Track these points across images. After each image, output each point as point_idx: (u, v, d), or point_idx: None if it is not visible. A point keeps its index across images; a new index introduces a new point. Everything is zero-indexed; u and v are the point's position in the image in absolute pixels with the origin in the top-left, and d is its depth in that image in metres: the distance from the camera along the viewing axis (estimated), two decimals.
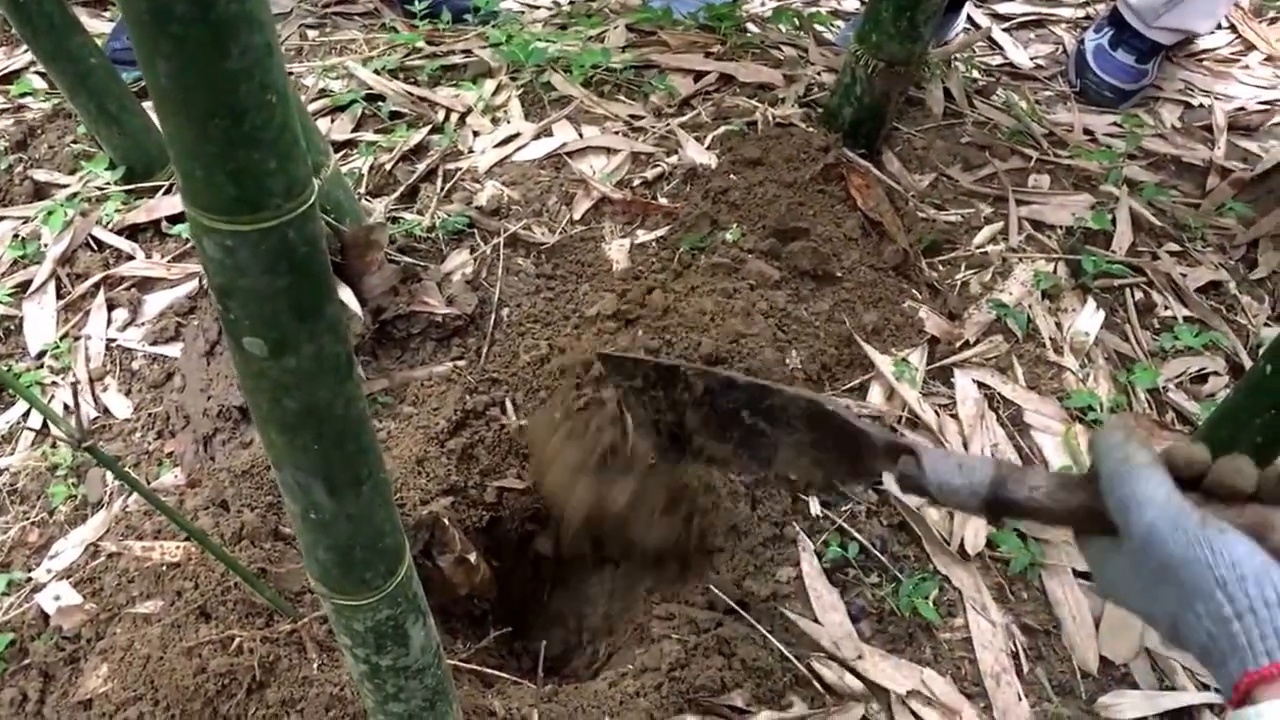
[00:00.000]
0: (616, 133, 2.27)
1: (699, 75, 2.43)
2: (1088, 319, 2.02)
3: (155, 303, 2.03)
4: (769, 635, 1.58)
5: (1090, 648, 1.63)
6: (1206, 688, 1.60)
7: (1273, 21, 2.87)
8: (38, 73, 2.59)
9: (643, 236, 2.06)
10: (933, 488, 1.25)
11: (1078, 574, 1.68)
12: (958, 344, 1.96)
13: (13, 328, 2.04)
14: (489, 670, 1.56)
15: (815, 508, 1.72)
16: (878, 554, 1.68)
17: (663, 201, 2.11)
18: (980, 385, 1.91)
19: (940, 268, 2.10)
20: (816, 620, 1.61)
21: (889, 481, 1.43)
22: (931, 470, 1.26)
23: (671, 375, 1.50)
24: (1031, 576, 1.68)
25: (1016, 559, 1.67)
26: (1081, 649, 1.62)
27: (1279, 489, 1.01)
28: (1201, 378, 1.99)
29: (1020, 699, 1.57)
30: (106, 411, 1.91)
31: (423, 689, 1.19)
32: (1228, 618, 0.92)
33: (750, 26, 2.64)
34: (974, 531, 1.70)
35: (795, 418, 1.47)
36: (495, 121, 2.33)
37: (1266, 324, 2.09)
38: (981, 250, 2.12)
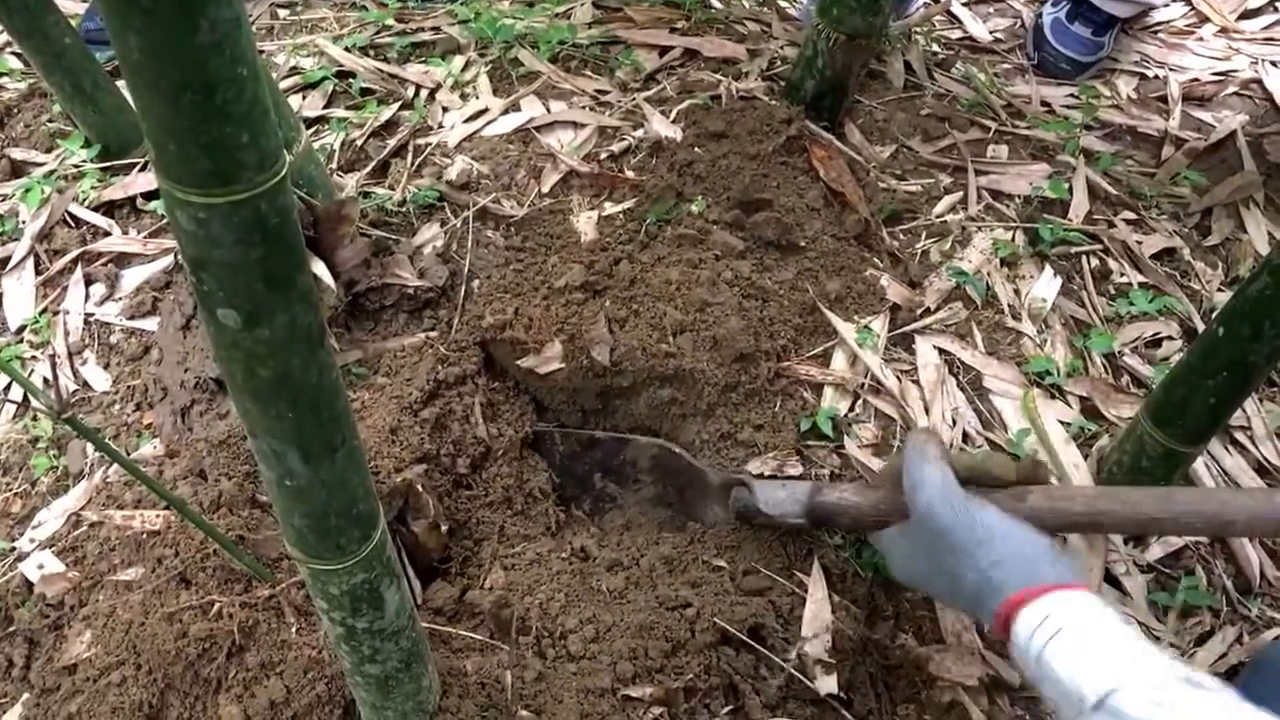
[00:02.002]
0: (583, 107, 2.28)
1: (664, 50, 2.44)
2: (1045, 286, 2.06)
3: (132, 278, 2.05)
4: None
5: None
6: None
7: None
8: (13, 53, 2.59)
9: (610, 209, 2.08)
10: (763, 504, 1.53)
11: None
12: (918, 311, 1.99)
13: None
14: (463, 632, 1.60)
15: (786, 471, 1.75)
16: None
17: (629, 174, 2.13)
18: (941, 351, 1.94)
19: (901, 237, 2.13)
20: None
21: (726, 514, 1.65)
22: (760, 492, 1.55)
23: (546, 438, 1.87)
24: None
25: None
26: None
27: (1033, 470, 1.36)
28: (1156, 342, 2.02)
29: (980, 655, 1.61)
30: (86, 385, 1.93)
31: (398, 651, 1.21)
32: (985, 567, 1.19)
33: (714, 2, 2.66)
34: None
35: (643, 471, 1.78)
36: (464, 97, 2.35)
37: (1219, 289, 2.12)
38: (941, 219, 2.15)
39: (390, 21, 2.57)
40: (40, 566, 1.63)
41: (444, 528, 1.68)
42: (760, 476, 1.68)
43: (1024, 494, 1.32)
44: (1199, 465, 1.82)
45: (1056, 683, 1.06)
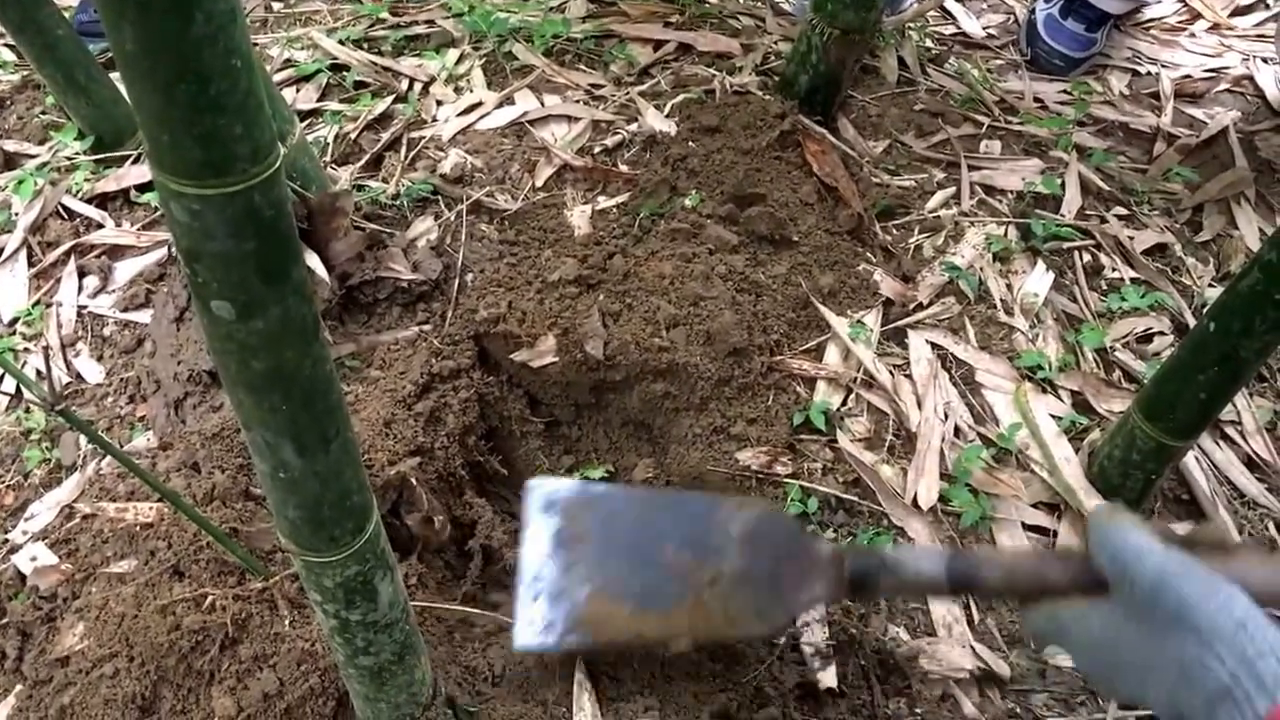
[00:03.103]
0: (577, 101, 2.29)
1: (658, 44, 2.45)
2: (1037, 281, 2.06)
3: (125, 270, 2.05)
4: None
5: None
6: None
7: None
8: (6, 45, 2.59)
9: (604, 203, 2.08)
10: (892, 570, 1.15)
11: (1026, 527, 1.73)
12: (911, 305, 1.99)
13: None
14: (458, 608, 1.61)
15: (777, 466, 1.76)
16: (833, 509, 1.73)
17: (623, 168, 2.13)
18: (933, 345, 1.94)
19: (894, 231, 2.13)
20: None
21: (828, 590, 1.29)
22: (890, 558, 1.17)
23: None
24: (982, 529, 1.72)
25: (968, 512, 1.71)
26: None
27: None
28: (1147, 337, 2.02)
29: (971, 648, 1.62)
30: (79, 377, 1.93)
31: (391, 642, 1.21)
32: (1252, 658, 0.92)
33: None
34: (926, 486, 1.75)
35: (732, 540, 1.20)
36: (458, 91, 2.35)
37: (1210, 285, 2.12)
38: (934, 214, 2.15)
39: (384, 15, 2.57)
40: (33, 559, 1.63)
41: (438, 520, 1.68)
42: None
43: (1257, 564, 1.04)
44: (1189, 459, 1.82)
45: None
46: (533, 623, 1.08)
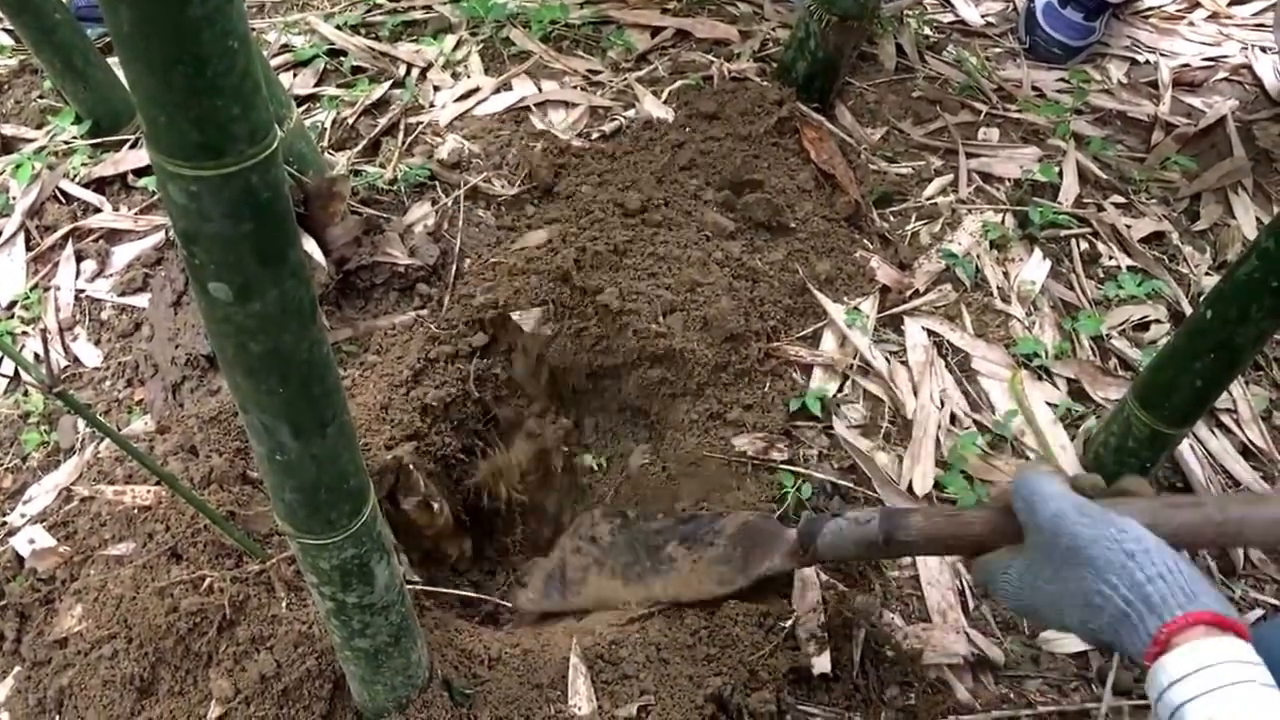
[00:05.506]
0: (575, 87, 2.29)
1: (656, 31, 2.45)
2: (1034, 268, 2.06)
3: (123, 254, 2.05)
4: None
5: None
6: None
7: None
8: (4, 29, 2.58)
9: None
10: (831, 532, 1.41)
11: None
12: (908, 293, 1.99)
13: None
14: (457, 592, 1.61)
15: (773, 452, 1.76)
16: (829, 495, 1.73)
17: None
18: (930, 333, 1.94)
19: (891, 219, 2.14)
20: None
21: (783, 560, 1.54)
22: (827, 522, 1.43)
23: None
24: None
25: (963, 499, 1.71)
26: None
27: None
28: (1144, 325, 2.03)
29: (965, 634, 1.62)
30: (76, 360, 1.93)
31: (388, 625, 1.22)
32: (1142, 582, 1.04)
33: None
34: (922, 473, 1.75)
35: (722, 535, 1.63)
36: (456, 76, 2.35)
37: (1207, 273, 2.12)
38: (932, 201, 2.16)
39: (381, 0, 2.56)
40: (31, 541, 1.63)
41: (435, 506, 1.68)
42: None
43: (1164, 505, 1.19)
44: (1185, 447, 1.83)
45: None
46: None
